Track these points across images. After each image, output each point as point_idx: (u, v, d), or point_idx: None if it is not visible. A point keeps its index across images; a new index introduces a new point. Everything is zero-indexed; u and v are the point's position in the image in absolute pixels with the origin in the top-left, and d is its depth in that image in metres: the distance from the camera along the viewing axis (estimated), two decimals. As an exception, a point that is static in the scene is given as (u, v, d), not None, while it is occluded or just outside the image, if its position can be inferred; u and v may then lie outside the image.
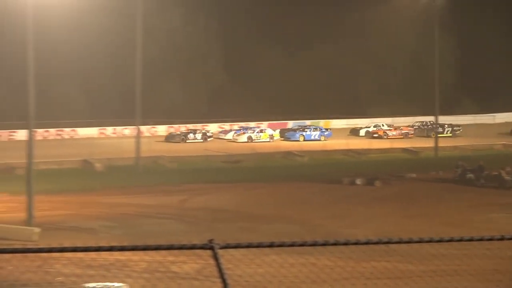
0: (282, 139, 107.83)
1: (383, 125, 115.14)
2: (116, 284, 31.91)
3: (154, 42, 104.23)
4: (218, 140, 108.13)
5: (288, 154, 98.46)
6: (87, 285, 31.88)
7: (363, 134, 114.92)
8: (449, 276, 33.68)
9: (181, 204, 65.16)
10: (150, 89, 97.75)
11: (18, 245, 42.85)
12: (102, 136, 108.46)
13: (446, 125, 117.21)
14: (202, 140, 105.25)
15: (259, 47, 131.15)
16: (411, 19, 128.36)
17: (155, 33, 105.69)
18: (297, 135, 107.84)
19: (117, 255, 35.90)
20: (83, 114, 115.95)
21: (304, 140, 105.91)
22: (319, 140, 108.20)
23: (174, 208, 63.16)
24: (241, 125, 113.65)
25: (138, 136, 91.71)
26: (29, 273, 34.34)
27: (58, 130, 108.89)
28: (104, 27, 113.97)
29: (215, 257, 9.10)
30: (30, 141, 59.38)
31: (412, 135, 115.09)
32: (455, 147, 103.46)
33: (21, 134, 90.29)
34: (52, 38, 79.83)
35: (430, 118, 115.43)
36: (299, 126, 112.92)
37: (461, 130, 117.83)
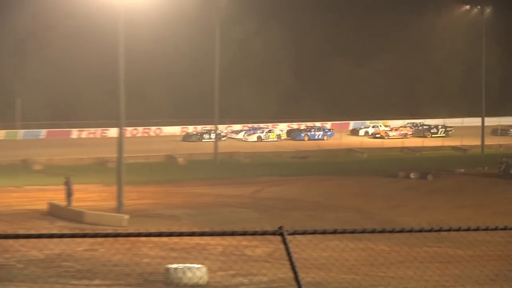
0: (289, 138, 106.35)
1: (380, 126, 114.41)
2: (195, 265, 31.92)
3: (231, 50, 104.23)
4: (230, 139, 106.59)
5: (350, 151, 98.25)
6: (170, 266, 31.92)
7: (362, 134, 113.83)
8: (494, 261, 33.50)
9: (254, 195, 65.21)
10: (227, 92, 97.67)
11: (109, 230, 42.97)
12: (184, 134, 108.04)
13: (439, 126, 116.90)
14: (215, 140, 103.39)
15: (328, 55, 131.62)
16: (461, 31, 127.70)
17: (232, 42, 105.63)
18: (302, 135, 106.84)
19: (197, 239, 35.99)
20: (167, 114, 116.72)
21: (309, 140, 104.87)
22: (323, 139, 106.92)
23: (248, 198, 63.21)
24: (253, 126, 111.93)
25: (216, 133, 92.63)
26: (119, 255, 34.50)
27: (145, 129, 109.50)
28: (186, 36, 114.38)
29: (284, 242, 9.09)
30: (120, 138, 59.69)
31: (410, 136, 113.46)
32: (500, 145, 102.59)
33: (113, 132, 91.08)
34: (141, 46, 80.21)
35: (466, 120, 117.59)
36: (307, 126, 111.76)
37: (452, 131, 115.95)
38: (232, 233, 10.07)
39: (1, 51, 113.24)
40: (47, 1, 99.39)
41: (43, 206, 55.45)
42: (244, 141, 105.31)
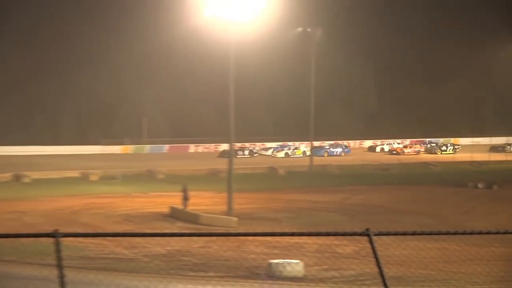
0: (312, 154, 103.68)
1: (394, 144, 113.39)
2: (294, 261, 32.08)
3: (324, 77, 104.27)
4: (260, 156, 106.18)
5: (425, 164, 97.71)
6: (272, 261, 32.13)
7: (379, 151, 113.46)
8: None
9: (343, 201, 64.97)
10: (320, 113, 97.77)
11: (221, 230, 43.37)
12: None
13: (448, 144, 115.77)
14: (249, 156, 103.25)
15: (405, 81, 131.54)
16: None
17: (325, 70, 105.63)
18: (322, 151, 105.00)
19: (296, 239, 36.08)
20: (269, 132, 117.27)
21: (328, 156, 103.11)
22: (340, 155, 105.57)
23: (338, 203, 63.02)
24: (282, 143, 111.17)
25: (312, 149, 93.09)
26: (229, 251, 34.75)
27: (251, 144, 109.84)
28: (287, 65, 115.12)
29: (371, 242, 9.28)
30: (230, 152, 60.37)
31: (423, 152, 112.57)
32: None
33: (224, 147, 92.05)
34: (247, 73, 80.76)
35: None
36: (329, 144, 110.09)
37: (459, 149, 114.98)
38: (326, 234, 10.32)
39: (131, 78, 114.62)
40: (171, 34, 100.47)
41: (164, 209, 56.08)
42: (273, 157, 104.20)
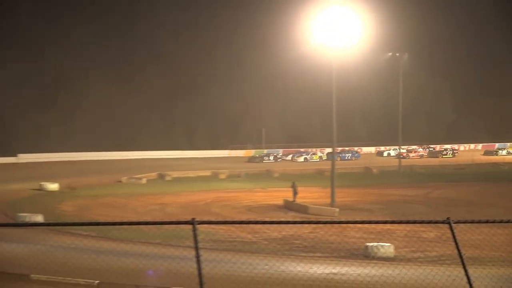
0: (326, 159, 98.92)
1: (399, 149, 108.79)
2: (386, 244, 31.79)
3: (410, 90, 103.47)
4: (283, 160, 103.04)
5: (495, 164, 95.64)
6: (368, 244, 31.92)
7: (386, 155, 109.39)
8: None
9: (427, 195, 63.95)
10: (408, 121, 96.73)
11: (326, 219, 43.23)
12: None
13: (448, 149, 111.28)
14: (273, 161, 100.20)
15: (478, 94, 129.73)
16: None
17: (410, 86, 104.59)
18: (336, 156, 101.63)
19: (387, 226, 35.71)
20: (365, 137, 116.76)
21: (340, 160, 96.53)
22: (351, 160, 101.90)
23: (423, 197, 62.08)
24: (300, 150, 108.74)
25: (400, 152, 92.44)
26: (333, 236, 34.55)
27: (350, 148, 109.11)
28: (379, 79, 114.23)
29: (451, 228, 9.11)
30: (333, 155, 60.23)
31: (425, 156, 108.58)
32: None
33: (328, 151, 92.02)
34: (346, 86, 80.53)
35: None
36: (341, 150, 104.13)
37: (457, 153, 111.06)
38: (414, 222, 10.16)
39: (253, 94, 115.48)
40: (285, 57, 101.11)
41: (279, 201, 56.12)
42: (293, 161, 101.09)
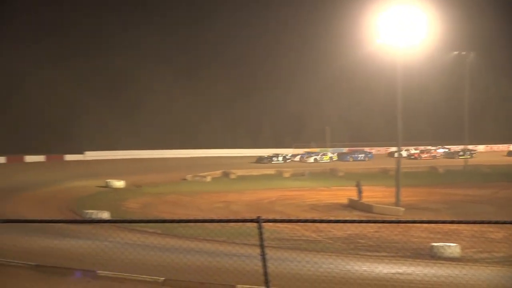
0: (336, 159, 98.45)
1: (412, 150, 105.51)
2: (452, 244, 31.30)
3: (475, 91, 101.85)
4: (292, 161, 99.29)
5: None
6: (434, 243, 31.49)
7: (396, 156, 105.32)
8: None
9: (493, 195, 62.69)
10: (472, 122, 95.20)
11: (392, 218, 42.81)
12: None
13: (466, 150, 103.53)
14: (282, 162, 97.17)
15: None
16: None
17: (476, 86, 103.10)
18: (348, 157, 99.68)
19: (454, 226, 35.25)
20: (429, 137, 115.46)
21: (353, 161, 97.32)
22: (364, 160, 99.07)
23: (488, 197, 60.89)
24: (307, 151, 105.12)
25: (465, 151, 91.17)
26: (397, 235, 34.21)
27: (415, 148, 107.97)
28: (444, 79, 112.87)
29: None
30: (398, 154, 59.61)
31: (439, 157, 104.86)
32: None
33: (392, 150, 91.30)
34: (411, 86, 79.73)
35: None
36: (353, 151, 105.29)
37: (476, 153, 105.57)
38: (480, 222, 9.84)
39: (317, 94, 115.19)
40: (349, 57, 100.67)
41: (343, 200, 55.83)
42: (302, 162, 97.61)
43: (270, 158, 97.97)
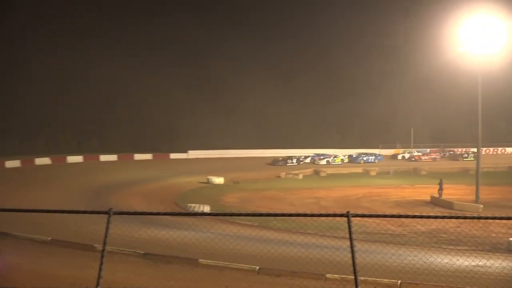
0: (347, 161, 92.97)
1: (414, 152, 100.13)
2: (531, 240, 30.63)
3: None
4: (305, 163, 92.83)
5: None
6: (511, 239, 30.81)
7: (400, 158, 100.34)
8: None
9: None
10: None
11: (472, 214, 42.00)
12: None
13: (470, 152, 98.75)
14: (296, 163, 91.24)
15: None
16: None
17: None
18: (359, 159, 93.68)
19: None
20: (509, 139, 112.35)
21: (364, 163, 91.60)
22: (374, 162, 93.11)
23: None
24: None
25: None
26: (476, 231, 33.43)
27: (494, 149, 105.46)
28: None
29: None
30: (478, 155, 58.44)
31: (439, 159, 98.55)
32: None
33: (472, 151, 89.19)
34: (491, 92, 77.50)
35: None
36: (363, 153, 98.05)
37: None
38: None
39: (402, 98, 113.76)
40: (432, 64, 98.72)
41: (426, 197, 55.07)
42: (316, 164, 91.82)
43: (285, 160, 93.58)
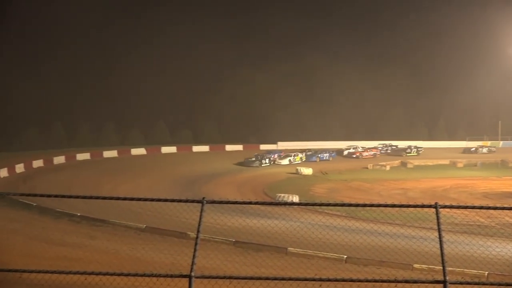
0: (305, 160, 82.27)
1: (358, 148, 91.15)
2: None
3: None
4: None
5: None
6: None
7: (346, 154, 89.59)
8: None
9: None
10: None
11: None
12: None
13: (412, 147, 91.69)
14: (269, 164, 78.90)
15: None
16: None
17: None
18: (314, 157, 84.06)
19: None
20: None
21: (320, 161, 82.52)
22: (328, 160, 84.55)
23: None
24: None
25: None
26: None
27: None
28: None
29: None
30: None
31: (378, 155, 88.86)
32: None
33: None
34: None
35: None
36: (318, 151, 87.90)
37: (422, 150, 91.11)
38: None
39: (490, 90, 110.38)
40: None
41: (514, 189, 53.82)
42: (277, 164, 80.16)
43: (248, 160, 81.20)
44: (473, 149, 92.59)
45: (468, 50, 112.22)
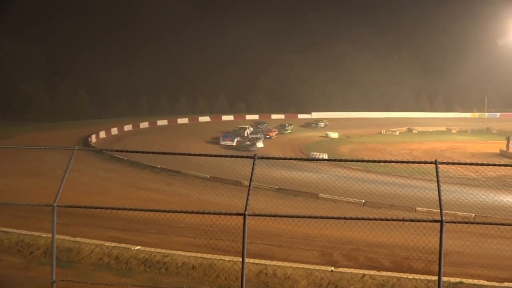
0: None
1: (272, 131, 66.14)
2: None
3: None
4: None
5: None
6: None
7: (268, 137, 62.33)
8: None
9: None
10: None
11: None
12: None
13: (286, 125, 71.04)
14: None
15: None
16: None
17: None
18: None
19: None
20: None
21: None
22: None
23: None
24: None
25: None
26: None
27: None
28: None
29: None
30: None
31: (275, 137, 63.24)
32: None
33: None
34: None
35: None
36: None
37: (292, 127, 71.20)
38: None
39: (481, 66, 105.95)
40: None
41: (496, 151, 52.50)
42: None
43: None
44: (313, 124, 78.40)
45: (463, 40, 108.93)
